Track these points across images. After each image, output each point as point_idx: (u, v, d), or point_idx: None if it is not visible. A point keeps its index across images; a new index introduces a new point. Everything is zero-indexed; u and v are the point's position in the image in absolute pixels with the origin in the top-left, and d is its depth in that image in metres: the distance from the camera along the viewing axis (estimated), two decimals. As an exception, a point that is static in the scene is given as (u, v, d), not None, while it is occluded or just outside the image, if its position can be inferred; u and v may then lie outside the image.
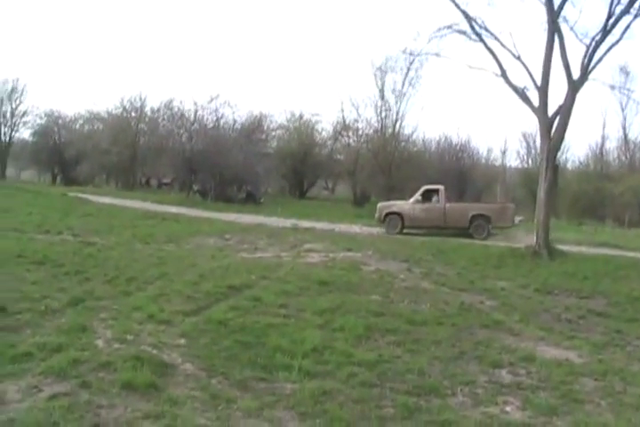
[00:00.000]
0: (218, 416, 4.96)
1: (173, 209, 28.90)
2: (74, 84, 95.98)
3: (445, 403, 5.62)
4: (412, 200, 24.74)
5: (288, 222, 24.80)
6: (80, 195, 33.71)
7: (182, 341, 6.95)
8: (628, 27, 17.05)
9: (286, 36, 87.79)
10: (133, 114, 48.86)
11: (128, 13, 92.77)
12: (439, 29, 18.56)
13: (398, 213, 24.22)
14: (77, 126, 55.67)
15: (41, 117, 54.37)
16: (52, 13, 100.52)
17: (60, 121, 54.31)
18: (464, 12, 18.18)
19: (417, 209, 24.18)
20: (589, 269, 14.54)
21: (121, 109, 49.53)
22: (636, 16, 16.90)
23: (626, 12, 16.77)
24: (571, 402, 5.81)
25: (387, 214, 24.44)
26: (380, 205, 25.54)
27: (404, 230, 24.03)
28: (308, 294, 9.97)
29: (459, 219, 23.60)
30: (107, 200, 32.15)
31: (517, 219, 23.93)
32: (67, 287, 9.34)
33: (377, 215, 24.84)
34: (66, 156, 51.58)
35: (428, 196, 24.58)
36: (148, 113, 48.93)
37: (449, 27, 18.58)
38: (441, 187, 24.73)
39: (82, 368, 5.73)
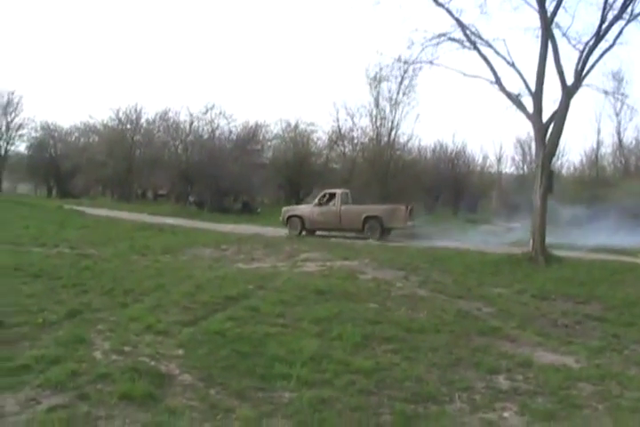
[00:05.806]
0: (216, 426, 4.97)
1: (170, 220, 28.91)
2: (69, 97, 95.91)
3: (443, 410, 5.63)
4: (312, 204, 26.23)
5: (284, 232, 24.85)
6: (76, 207, 33.62)
7: (180, 351, 6.94)
8: (620, 32, 17.00)
9: (281, 44, 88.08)
10: (129, 126, 48.81)
11: (123, 25, 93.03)
12: (433, 37, 18.55)
13: (299, 216, 25.71)
14: (73, 139, 55.61)
15: (36, 130, 54.43)
16: (47, 25, 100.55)
17: (55, 134, 54.17)
18: (458, 20, 18.22)
19: (315, 212, 25.52)
20: (585, 275, 14.51)
21: (116, 121, 49.55)
22: (628, 21, 16.85)
23: (618, 17, 16.71)
24: (568, 407, 5.83)
25: (289, 217, 26.02)
26: (284, 209, 27.26)
27: (317, 232, 25.60)
28: (305, 304, 9.95)
29: (353, 221, 24.81)
30: (103, 212, 32.07)
31: (410, 223, 24.90)
32: (64, 300, 9.31)
33: (281, 218, 26.33)
34: (61, 168, 51.59)
35: (329, 199, 25.88)
36: (144, 125, 48.94)
37: (443, 35, 18.54)
38: (338, 190, 26.31)
39: (80, 380, 5.72)
